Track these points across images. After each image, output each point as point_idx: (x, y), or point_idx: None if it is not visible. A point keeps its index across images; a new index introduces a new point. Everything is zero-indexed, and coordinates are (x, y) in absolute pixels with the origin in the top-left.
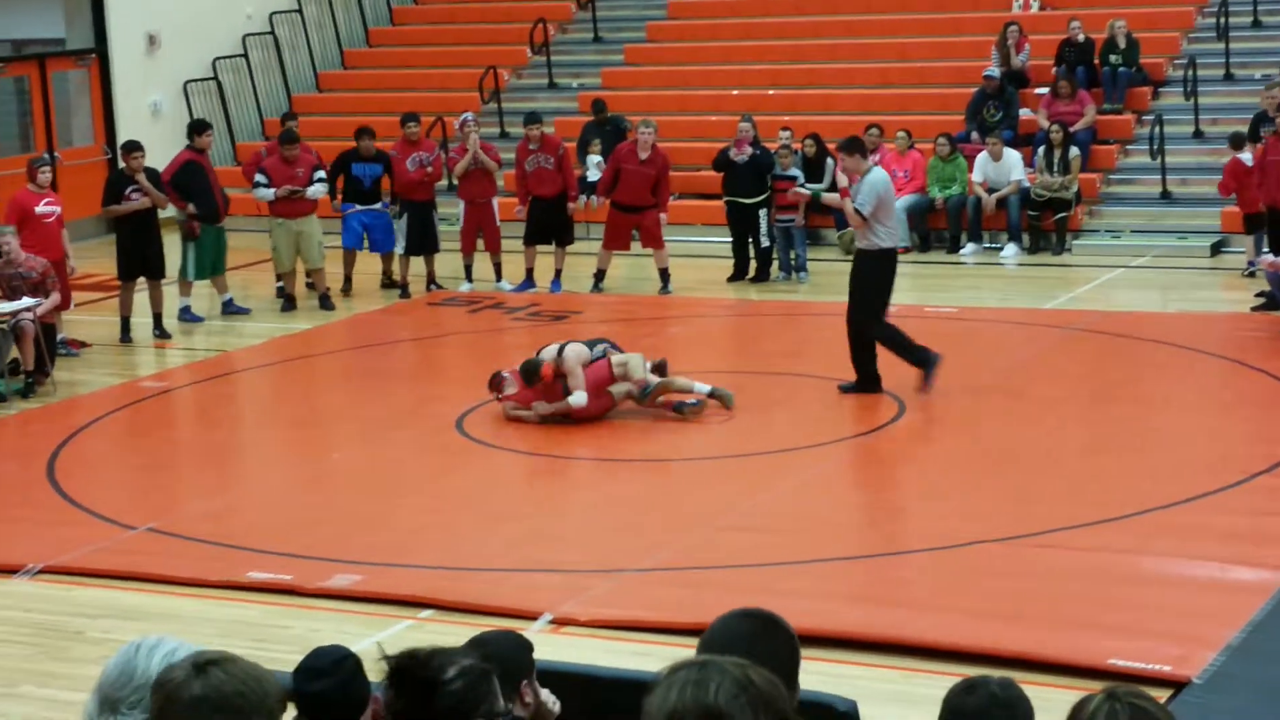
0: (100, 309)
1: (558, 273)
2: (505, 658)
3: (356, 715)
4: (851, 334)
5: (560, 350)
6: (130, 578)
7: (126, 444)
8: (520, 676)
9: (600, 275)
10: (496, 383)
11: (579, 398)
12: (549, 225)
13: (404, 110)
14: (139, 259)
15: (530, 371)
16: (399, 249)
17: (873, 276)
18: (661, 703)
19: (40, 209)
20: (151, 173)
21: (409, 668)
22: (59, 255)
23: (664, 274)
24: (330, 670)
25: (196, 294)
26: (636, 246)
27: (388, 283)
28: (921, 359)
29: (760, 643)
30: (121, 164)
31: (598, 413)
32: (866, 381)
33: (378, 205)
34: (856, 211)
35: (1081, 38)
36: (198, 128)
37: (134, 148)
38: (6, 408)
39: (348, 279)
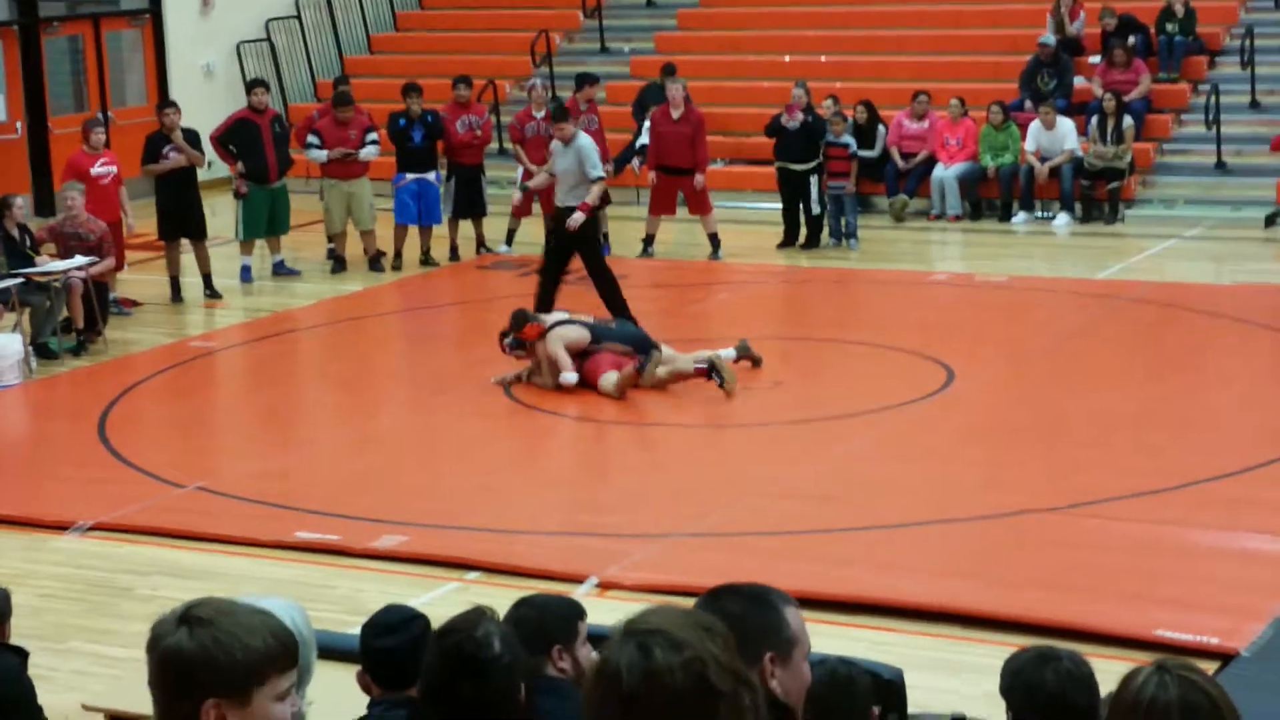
0: (151, 268)
1: (604, 235)
2: (542, 622)
3: (418, 676)
4: (597, 286)
5: (554, 325)
6: (179, 536)
7: (177, 403)
8: (555, 642)
9: (649, 240)
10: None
11: (568, 378)
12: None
13: (455, 73)
14: (179, 219)
15: (516, 321)
16: (445, 214)
17: (583, 229)
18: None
19: (96, 170)
20: (189, 132)
21: (469, 653)
22: (116, 216)
23: (713, 239)
24: (399, 628)
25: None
26: (685, 211)
27: (425, 259)
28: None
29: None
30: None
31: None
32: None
33: (430, 174)
34: (600, 178)
35: (1115, 25)
36: (249, 86)
37: (167, 105)
38: (59, 365)
39: (398, 254)
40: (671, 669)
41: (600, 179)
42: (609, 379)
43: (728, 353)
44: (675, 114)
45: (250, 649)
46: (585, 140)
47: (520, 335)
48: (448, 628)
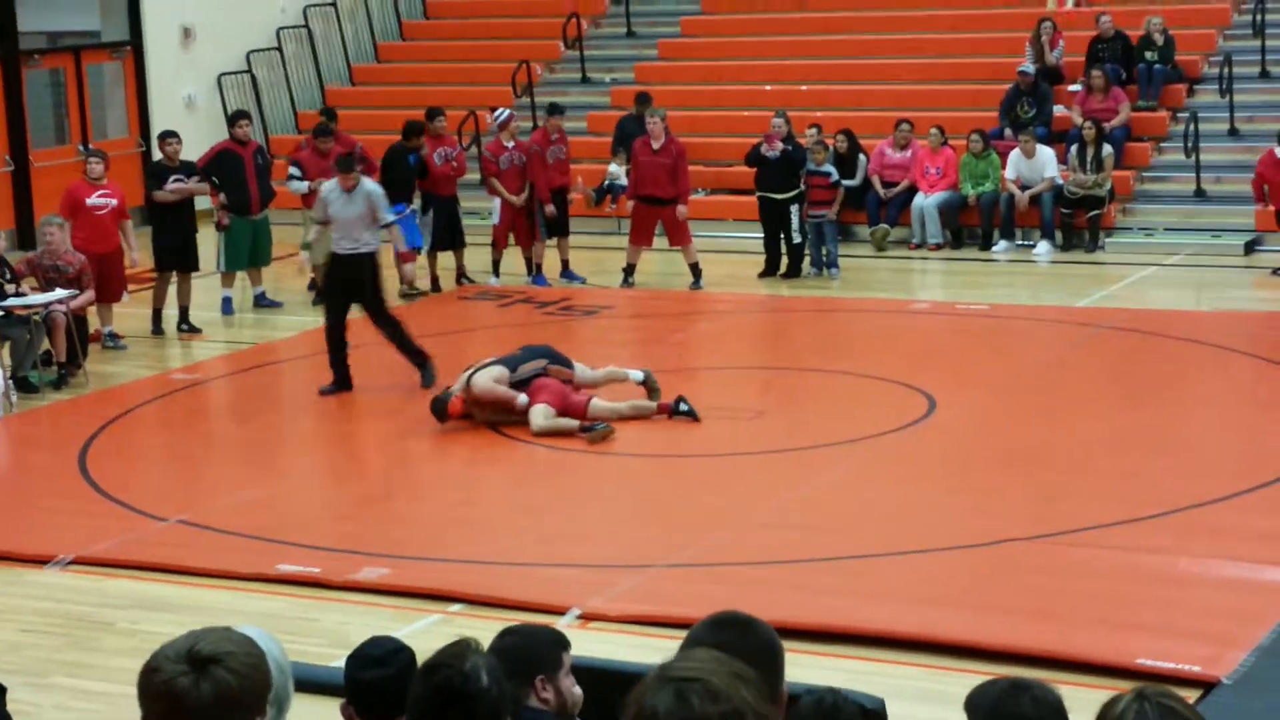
0: (131, 301)
1: (565, 264)
2: (525, 651)
3: (403, 709)
4: (339, 337)
5: (469, 379)
6: (160, 569)
7: (158, 436)
8: (539, 671)
9: (630, 270)
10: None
11: (522, 400)
12: (560, 218)
13: (437, 104)
14: (176, 251)
15: (438, 410)
16: (424, 245)
17: (377, 274)
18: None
19: (92, 200)
20: (186, 164)
21: (458, 686)
22: (112, 247)
23: (694, 269)
24: (385, 660)
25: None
26: (664, 241)
27: (409, 292)
28: (420, 361)
29: (736, 649)
30: (158, 154)
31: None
32: (346, 381)
33: (413, 205)
34: (392, 222)
35: (1113, 32)
36: (233, 118)
37: (171, 135)
38: (39, 399)
39: (434, 278)
40: (709, 718)
41: (392, 223)
42: (541, 414)
43: (636, 374)
44: (655, 145)
45: (266, 662)
46: (375, 186)
47: (451, 416)
48: (435, 661)
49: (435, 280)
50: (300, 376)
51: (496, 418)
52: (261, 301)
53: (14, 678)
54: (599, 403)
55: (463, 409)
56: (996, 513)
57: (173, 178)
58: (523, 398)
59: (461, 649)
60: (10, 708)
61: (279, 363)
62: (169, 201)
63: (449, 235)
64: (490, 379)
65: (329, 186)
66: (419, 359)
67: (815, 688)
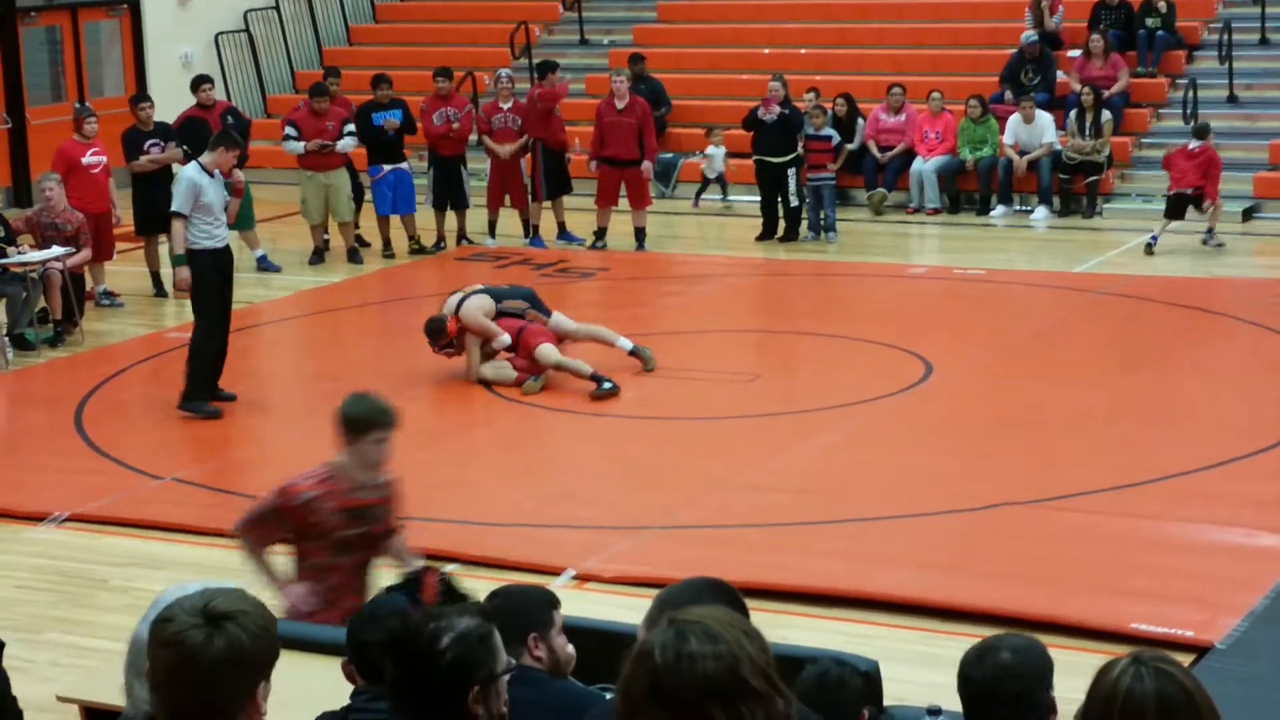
0: (130, 259)
1: (561, 225)
2: (516, 610)
3: None
4: (221, 347)
5: (460, 303)
6: (155, 527)
7: (153, 394)
8: (531, 629)
9: (600, 233)
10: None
11: (504, 338)
12: (560, 179)
13: (434, 64)
14: (154, 213)
15: (434, 330)
16: (428, 202)
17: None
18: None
19: (87, 159)
20: (163, 126)
21: (403, 639)
22: (106, 207)
23: (639, 233)
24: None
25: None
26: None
27: (417, 248)
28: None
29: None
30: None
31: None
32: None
33: (404, 164)
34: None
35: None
36: (194, 84)
37: (143, 99)
38: (35, 356)
39: (386, 243)
40: (704, 655)
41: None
42: (549, 350)
43: (625, 343)
44: (619, 104)
45: (276, 626)
46: (238, 174)
47: (449, 338)
48: (400, 623)
49: (440, 239)
50: (296, 336)
51: (479, 353)
52: (264, 264)
53: (9, 634)
54: (547, 349)
55: (455, 332)
56: (992, 477)
57: (148, 143)
58: (505, 337)
59: (434, 612)
60: (5, 663)
61: (275, 322)
62: (146, 171)
63: (451, 195)
64: (478, 310)
65: (197, 171)
66: (203, 384)
67: (821, 656)
